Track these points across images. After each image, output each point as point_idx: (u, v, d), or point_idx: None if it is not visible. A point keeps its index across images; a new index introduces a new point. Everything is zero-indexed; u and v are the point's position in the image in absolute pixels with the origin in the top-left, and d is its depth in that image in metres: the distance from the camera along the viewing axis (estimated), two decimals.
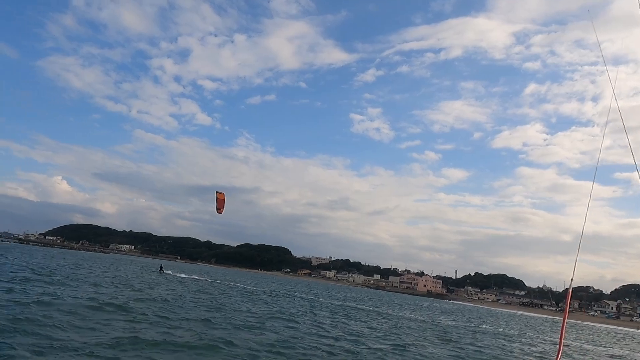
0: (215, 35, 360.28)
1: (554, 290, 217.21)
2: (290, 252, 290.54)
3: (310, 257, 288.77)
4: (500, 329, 44.81)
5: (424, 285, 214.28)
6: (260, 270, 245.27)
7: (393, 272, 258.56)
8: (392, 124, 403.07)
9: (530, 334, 44.07)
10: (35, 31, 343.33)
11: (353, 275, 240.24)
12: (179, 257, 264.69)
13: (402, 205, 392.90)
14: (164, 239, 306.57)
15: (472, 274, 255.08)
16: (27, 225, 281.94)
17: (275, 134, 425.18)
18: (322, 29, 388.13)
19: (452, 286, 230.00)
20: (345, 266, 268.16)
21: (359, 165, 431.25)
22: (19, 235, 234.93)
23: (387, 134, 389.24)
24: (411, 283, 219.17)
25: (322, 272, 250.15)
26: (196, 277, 67.79)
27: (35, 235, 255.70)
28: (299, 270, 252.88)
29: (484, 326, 46.37)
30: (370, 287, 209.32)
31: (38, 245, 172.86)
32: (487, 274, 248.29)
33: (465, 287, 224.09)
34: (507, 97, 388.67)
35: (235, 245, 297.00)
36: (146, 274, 59.50)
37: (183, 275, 68.06)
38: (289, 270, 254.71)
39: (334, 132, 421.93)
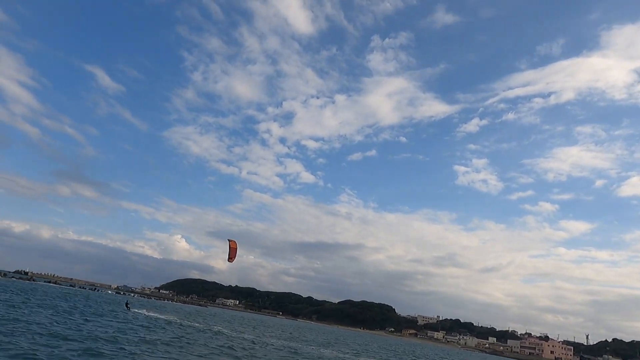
0: (317, 97, 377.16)
1: None
2: (394, 310, 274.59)
3: (416, 315, 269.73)
4: None
5: (551, 352, 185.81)
6: (363, 328, 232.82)
7: (511, 335, 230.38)
8: (500, 175, 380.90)
9: None
10: (163, 105, 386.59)
11: (465, 337, 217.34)
12: (280, 313, 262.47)
13: (517, 261, 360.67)
14: (267, 294, 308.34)
15: (610, 340, 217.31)
16: (151, 280, 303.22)
17: (377, 190, 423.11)
18: (421, 82, 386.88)
19: (585, 354, 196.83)
20: (455, 327, 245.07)
21: (466, 219, 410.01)
22: (136, 288, 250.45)
23: (495, 186, 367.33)
24: (535, 348, 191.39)
25: (430, 333, 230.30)
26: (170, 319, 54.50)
27: (151, 289, 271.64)
28: (403, 330, 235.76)
29: None
30: (485, 352, 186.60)
31: (143, 297, 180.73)
32: (630, 340, 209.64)
33: (604, 355, 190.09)
34: (633, 140, 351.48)
35: (337, 302, 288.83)
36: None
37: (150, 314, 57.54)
38: (393, 329, 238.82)
39: (437, 186, 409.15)
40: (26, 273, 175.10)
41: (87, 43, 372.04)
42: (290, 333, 70.06)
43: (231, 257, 30.85)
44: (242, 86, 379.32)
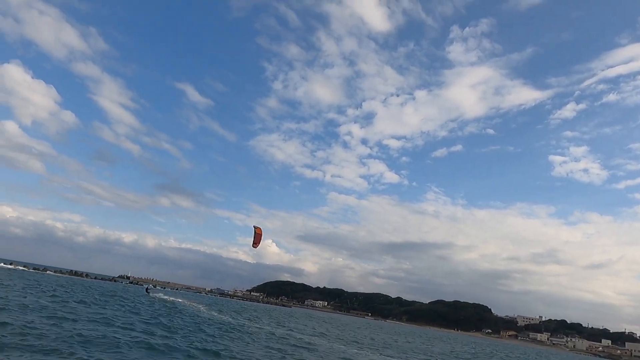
0: (397, 95, 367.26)
1: None
2: (490, 310, 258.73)
3: (515, 316, 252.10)
4: None
5: None
6: (456, 330, 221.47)
7: (629, 337, 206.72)
8: (603, 162, 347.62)
9: None
10: (248, 115, 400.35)
11: (573, 340, 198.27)
12: (369, 314, 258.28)
13: (629, 256, 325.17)
14: (355, 295, 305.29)
15: None
16: (248, 284, 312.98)
17: (465, 186, 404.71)
18: (507, 70, 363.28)
19: None
20: (560, 328, 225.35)
21: (566, 213, 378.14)
22: (228, 291, 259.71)
23: (598, 175, 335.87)
24: None
25: (532, 335, 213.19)
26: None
27: (242, 292, 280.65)
28: (502, 331, 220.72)
29: None
30: (600, 355, 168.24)
31: (238, 299, 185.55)
32: None
33: None
34: None
35: (427, 302, 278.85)
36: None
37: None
38: (490, 330, 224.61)
39: (532, 178, 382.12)
40: (128, 277, 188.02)
41: (176, 62, 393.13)
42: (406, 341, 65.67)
43: (255, 243, 29.51)
44: (322, 90, 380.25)
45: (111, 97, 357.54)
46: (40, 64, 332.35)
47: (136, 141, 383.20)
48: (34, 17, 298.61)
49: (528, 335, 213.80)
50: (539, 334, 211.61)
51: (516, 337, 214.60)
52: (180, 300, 66.40)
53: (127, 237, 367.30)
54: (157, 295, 71.14)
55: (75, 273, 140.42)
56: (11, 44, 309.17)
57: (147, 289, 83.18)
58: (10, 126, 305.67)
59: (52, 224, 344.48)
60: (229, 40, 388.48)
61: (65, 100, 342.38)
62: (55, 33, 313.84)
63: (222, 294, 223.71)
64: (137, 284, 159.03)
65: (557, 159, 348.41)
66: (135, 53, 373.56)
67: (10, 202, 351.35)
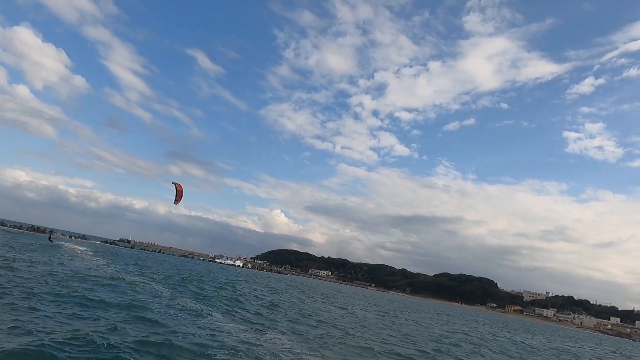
0: (410, 67, 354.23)
1: None
2: (496, 284, 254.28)
3: (522, 291, 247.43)
4: None
5: None
6: (461, 303, 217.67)
7: (637, 315, 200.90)
8: (619, 140, 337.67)
9: None
10: (259, 84, 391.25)
11: (581, 317, 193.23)
12: (372, 285, 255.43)
13: None
14: (359, 265, 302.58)
15: None
16: (254, 253, 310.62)
17: (476, 160, 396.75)
18: (524, 41, 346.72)
19: None
20: (567, 304, 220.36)
21: (578, 190, 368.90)
22: (232, 257, 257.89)
23: (613, 152, 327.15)
24: None
25: (538, 310, 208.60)
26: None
27: (247, 259, 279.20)
28: (507, 306, 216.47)
29: None
30: (608, 334, 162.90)
31: (234, 266, 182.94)
32: None
33: None
34: None
35: (432, 275, 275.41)
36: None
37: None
38: (495, 305, 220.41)
39: (545, 154, 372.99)
40: (129, 241, 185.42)
41: (187, 27, 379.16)
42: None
43: (177, 200, 29.54)
44: (334, 59, 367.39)
45: (122, 62, 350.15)
46: (51, 27, 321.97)
47: (147, 108, 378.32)
48: None
49: (534, 311, 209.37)
50: (545, 310, 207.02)
51: (521, 312, 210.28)
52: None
53: (138, 204, 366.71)
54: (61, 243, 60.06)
55: (38, 229, 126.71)
56: (22, 7, 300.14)
57: (50, 237, 70.75)
58: (22, 90, 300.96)
59: (65, 189, 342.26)
60: (240, 5, 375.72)
61: (75, 65, 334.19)
62: None
63: (222, 258, 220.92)
64: (137, 248, 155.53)
65: (572, 135, 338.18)
66: (146, 17, 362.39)
67: (23, 166, 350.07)
